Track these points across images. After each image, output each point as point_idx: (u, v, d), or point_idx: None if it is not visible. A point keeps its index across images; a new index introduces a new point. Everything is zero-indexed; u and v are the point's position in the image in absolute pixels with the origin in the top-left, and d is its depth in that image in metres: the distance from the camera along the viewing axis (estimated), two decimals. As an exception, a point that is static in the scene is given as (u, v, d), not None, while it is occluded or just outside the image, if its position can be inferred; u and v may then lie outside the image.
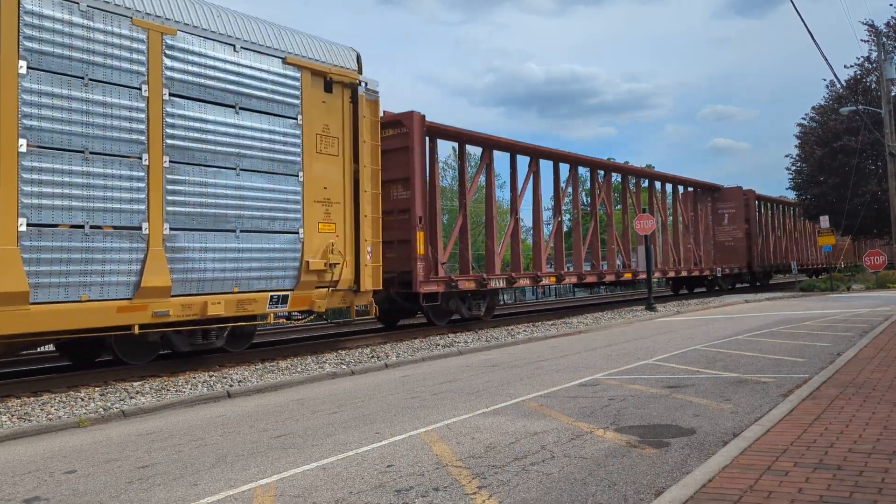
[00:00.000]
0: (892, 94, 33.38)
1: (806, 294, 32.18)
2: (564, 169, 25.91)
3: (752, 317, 19.84)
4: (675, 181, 34.47)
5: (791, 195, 45.57)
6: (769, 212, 42.11)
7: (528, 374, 10.93)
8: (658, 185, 32.90)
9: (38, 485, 6.09)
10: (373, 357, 14.18)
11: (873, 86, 37.76)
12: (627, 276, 28.13)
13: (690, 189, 35.90)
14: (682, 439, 6.30)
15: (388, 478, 5.59)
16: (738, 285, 39.50)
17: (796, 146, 43.41)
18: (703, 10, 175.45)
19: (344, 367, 12.95)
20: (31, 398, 10.66)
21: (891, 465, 4.91)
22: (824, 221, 36.24)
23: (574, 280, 25.41)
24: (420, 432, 7.14)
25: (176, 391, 10.93)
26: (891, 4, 67.61)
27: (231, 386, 11.22)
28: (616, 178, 30.66)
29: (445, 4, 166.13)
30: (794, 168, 44.05)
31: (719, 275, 35.09)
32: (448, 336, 17.81)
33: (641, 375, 10.08)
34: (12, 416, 9.37)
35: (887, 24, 37.27)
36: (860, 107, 35.49)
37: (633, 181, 31.08)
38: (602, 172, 28.56)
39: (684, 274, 33.10)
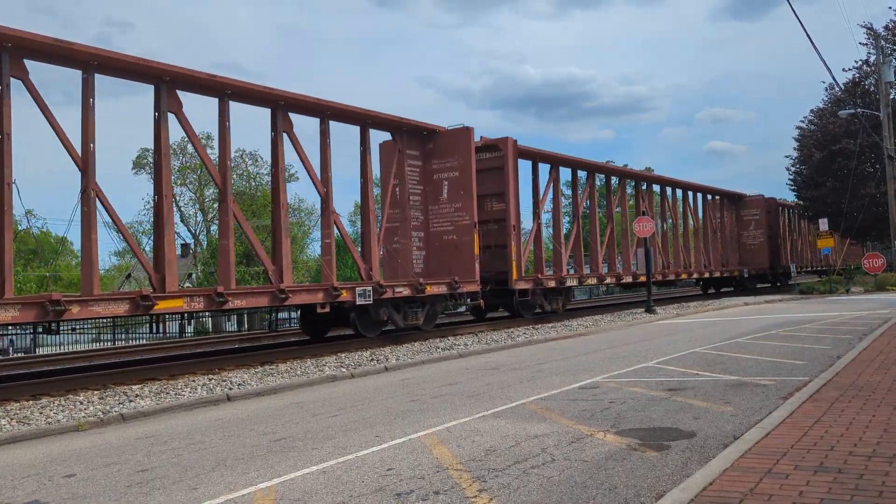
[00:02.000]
0: (891, 96, 33.43)
1: (805, 296, 32.19)
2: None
3: (752, 319, 19.84)
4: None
5: (792, 197, 45.58)
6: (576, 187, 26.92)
7: (528, 376, 10.92)
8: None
9: (37, 488, 6.08)
10: (372, 360, 14.17)
11: (872, 89, 37.83)
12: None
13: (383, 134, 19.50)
14: (683, 442, 6.29)
15: (388, 481, 5.58)
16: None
17: (795, 149, 43.53)
18: (699, 14, 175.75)
19: (343, 370, 12.94)
20: (31, 402, 10.65)
21: (891, 467, 4.90)
22: (823, 224, 36.28)
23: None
24: (420, 435, 7.13)
25: (175, 394, 10.92)
26: (890, 7, 67.80)
27: (230, 389, 11.21)
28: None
29: (442, 7, 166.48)
30: (793, 169, 44.16)
31: (358, 301, 16.09)
32: (448, 339, 17.80)
33: (641, 378, 10.07)
34: (11, 419, 9.36)
35: (886, 27, 37.37)
36: (859, 110, 35.54)
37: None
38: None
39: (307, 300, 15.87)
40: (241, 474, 6.08)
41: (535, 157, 24.09)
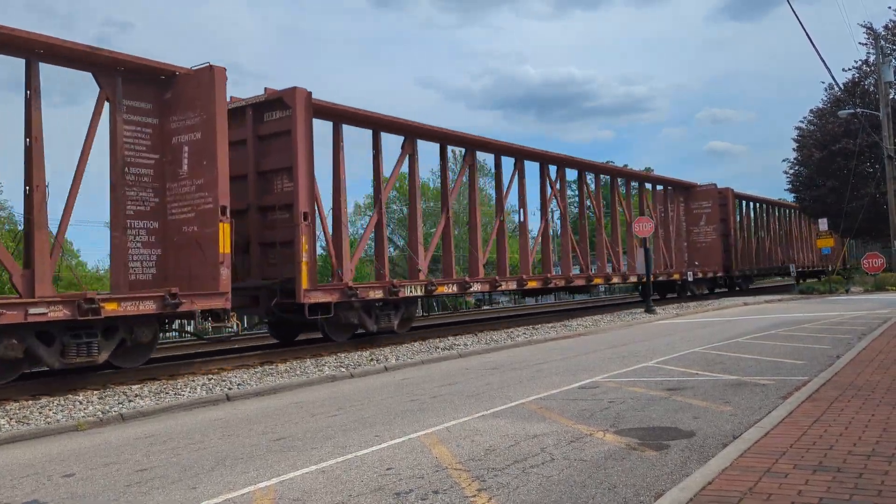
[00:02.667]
0: (891, 96, 33.45)
1: (805, 296, 32.20)
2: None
3: (751, 319, 19.84)
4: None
5: (790, 197, 45.47)
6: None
7: (527, 376, 10.92)
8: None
9: (36, 488, 6.08)
10: (372, 360, 14.17)
11: (871, 88, 37.84)
12: None
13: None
14: (682, 441, 6.29)
15: (388, 480, 5.58)
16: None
17: (794, 149, 43.53)
18: (698, 14, 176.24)
19: (343, 369, 12.94)
20: (30, 401, 10.64)
21: (890, 466, 4.90)
22: (823, 224, 36.30)
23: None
24: (419, 435, 7.13)
25: (175, 394, 10.91)
26: (889, 7, 67.86)
27: (230, 389, 11.21)
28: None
29: (441, 8, 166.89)
30: (791, 171, 44.16)
31: None
32: (448, 339, 17.79)
33: (641, 378, 10.07)
34: (11, 419, 9.35)
35: (885, 27, 37.37)
36: (858, 110, 35.55)
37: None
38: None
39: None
40: (241, 474, 6.08)
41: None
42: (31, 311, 10.89)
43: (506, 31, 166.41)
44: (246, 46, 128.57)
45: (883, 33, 36.22)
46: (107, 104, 13.01)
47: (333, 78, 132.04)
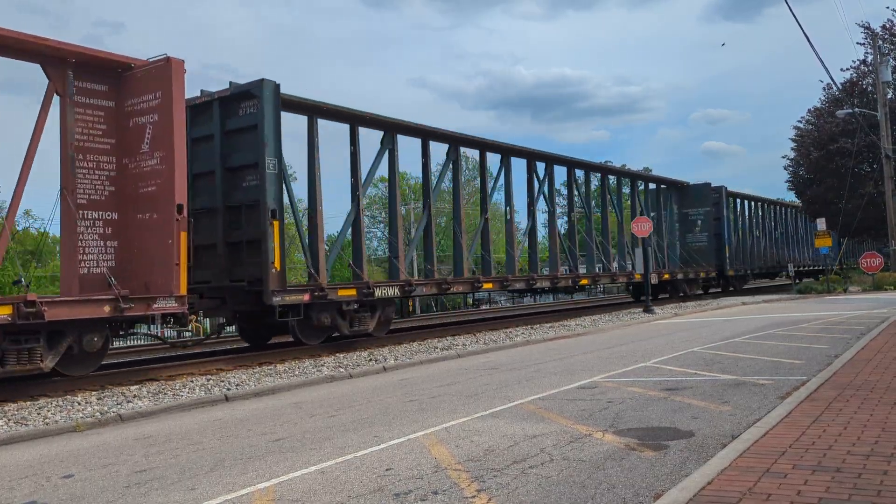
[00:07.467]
0: (888, 96, 33.47)
1: (803, 296, 32.22)
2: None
3: (750, 319, 19.85)
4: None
5: (789, 197, 45.51)
6: None
7: (526, 376, 10.92)
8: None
9: (35, 489, 6.07)
10: (371, 360, 14.16)
11: (869, 88, 37.86)
12: None
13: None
14: (681, 442, 6.30)
15: (387, 481, 5.58)
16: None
17: (793, 149, 43.54)
18: (691, 15, 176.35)
19: (342, 370, 12.93)
20: (28, 402, 10.63)
21: (889, 466, 4.91)
22: (821, 224, 36.30)
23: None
24: (419, 435, 7.13)
25: (173, 395, 10.90)
26: (888, 7, 67.93)
27: (228, 389, 11.20)
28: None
29: (434, 9, 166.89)
30: (790, 170, 44.17)
31: None
32: (447, 339, 17.79)
33: (640, 378, 10.08)
34: (9, 420, 9.34)
35: (883, 27, 37.39)
36: (856, 109, 35.56)
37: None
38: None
39: None
40: (240, 475, 6.08)
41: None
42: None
43: (499, 32, 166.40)
44: (237, 47, 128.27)
45: (881, 33, 36.25)
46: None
47: (327, 78, 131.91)
